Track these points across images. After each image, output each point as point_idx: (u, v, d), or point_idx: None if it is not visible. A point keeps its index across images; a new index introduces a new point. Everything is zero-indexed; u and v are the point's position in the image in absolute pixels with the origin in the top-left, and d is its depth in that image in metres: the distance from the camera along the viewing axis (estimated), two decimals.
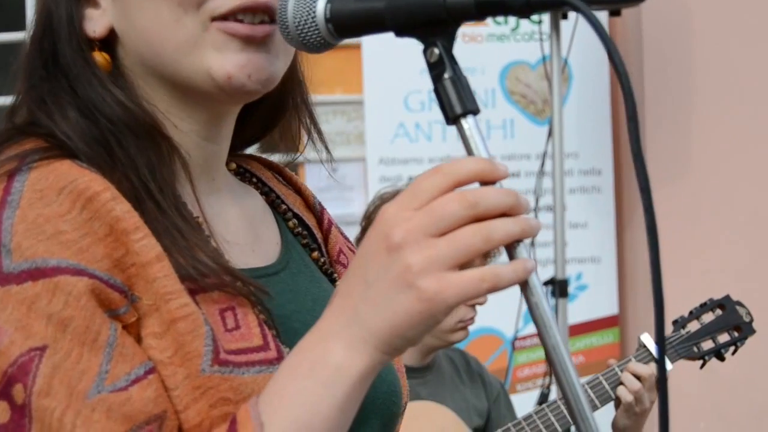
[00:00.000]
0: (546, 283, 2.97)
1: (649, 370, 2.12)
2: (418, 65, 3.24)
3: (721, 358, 2.20)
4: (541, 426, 2.15)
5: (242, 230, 1.00)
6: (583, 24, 3.23)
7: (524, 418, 2.15)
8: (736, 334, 2.21)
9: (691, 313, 2.22)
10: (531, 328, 3.32)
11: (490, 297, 3.39)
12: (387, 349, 0.79)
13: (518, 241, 0.79)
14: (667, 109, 3.46)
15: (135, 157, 0.89)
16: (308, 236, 1.08)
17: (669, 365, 2.20)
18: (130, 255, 0.83)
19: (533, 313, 0.80)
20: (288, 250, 1.03)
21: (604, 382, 2.13)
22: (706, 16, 3.45)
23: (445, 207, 0.77)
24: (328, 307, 0.82)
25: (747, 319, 2.22)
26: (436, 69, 0.83)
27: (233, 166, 1.07)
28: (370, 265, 0.79)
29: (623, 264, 3.58)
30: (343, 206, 3.48)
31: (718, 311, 2.22)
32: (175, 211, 0.89)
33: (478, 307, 3.42)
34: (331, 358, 0.79)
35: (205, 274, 0.86)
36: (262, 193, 1.08)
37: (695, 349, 2.18)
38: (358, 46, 3.51)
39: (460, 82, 0.82)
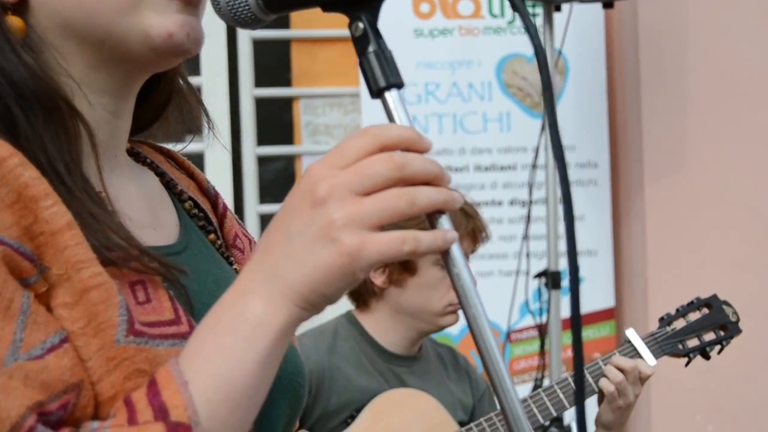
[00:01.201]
0: (539, 275, 2.97)
1: (633, 363, 2.12)
2: (414, 58, 3.25)
3: (707, 357, 2.21)
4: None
5: (143, 209, 0.99)
6: (577, 17, 3.24)
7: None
8: (722, 333, 2.22)
9: (677, 310, 2.23)
10: (526, 321, 3.33)
11: (485, 289, 3.41)
12: (305, 305, 0.79)
13: (441, 211, 0.81)
14: (664, 103, 3.46)
15: (42, 133, 0.87)
16: (204, 219, 1.08)
17: (653, 361, 2.20)
18: (38, 223, 0.82)
19: (455, 283, 0.81)
20: (187, 231, 1.03)
21: (587, 376, 2.14)
22: (703, 8, 3.45)
23: (372, 166, 0.78)
24: (248, 263, 0.82)
25: (733, 319, 2.23)
26: (360, 43, 0.84)
27: (127, 146, 1.06)
28: (294, 220, 0.80)
29: (620, 257, 3.59)
30: None
31: (705, 310, 2.23)
32: (83, 191, 0.88)
33: None
34: (250, 313, 0.80)
35: (115, 252, 0.85)
36: (156, 174, 1.07)
37: (680, 346, 2.19)
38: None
39: (384, 55, 0.84)
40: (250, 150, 3.62)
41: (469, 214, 2.20)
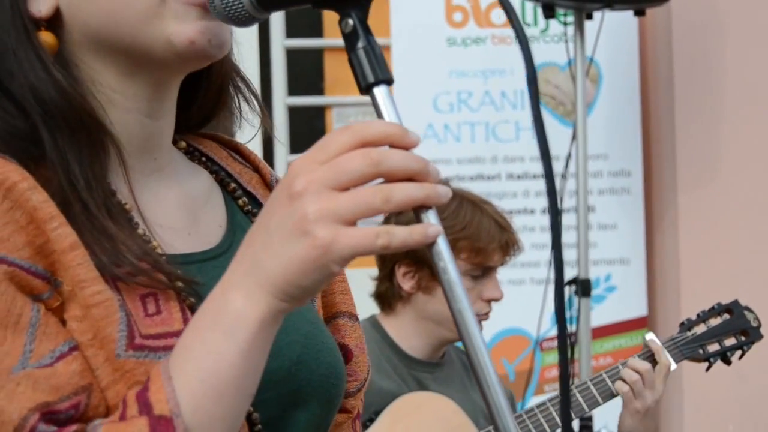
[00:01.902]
0: (569, 283, 2.97)
1: (647, 365, 2.13)
2: (447, 66, 3.27)
3: (727, 362, 2.21)
4: (542, 419, 2.17)
5: (179, 213, 1.01)
6: (610, 24, 3.24)
7: (525, 411, 2.16)
8: (743, 338, 2.22)
9: (698, 315, 2.24)
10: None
11: (517, 297, 3.41)
12: (284, 297, 0.81)
13: (425, 207, 0.81)
14: (697, 110, 3.45)
15: (65, 152, 0.90)
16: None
17: (673, 365, 2.20)
18: (50, 242, 0.86)
19: (440, 277, 0.81)
20: (233, 232, 1.03)
21: (606, 379, 2.16)
22: (737, 15, 3.44)
23: (349, 162, 0.79)
24: (233, 258, 0.84)
25: (755, 324, 2.23)
26: (350, 40, 0.85)
27: (183, 144, 1.08)
28: (273, 214, 0.81)
29: (652, 265, 3.58)
30: None
31: (726, 315, 2.23)
32: (103, 209, 0.90)
33: (504, 308, 3.44)
34: (230, 306, 0.81)
35: (129, 272, 0.88)
36: (211, 172, 1.09)
37: (700, 350, 2.19)
38: (387, 48, 3.52)
39: (373, 51, 0.85)
40: (283, 158, 3.65)
41: (503, 226, 2.22)
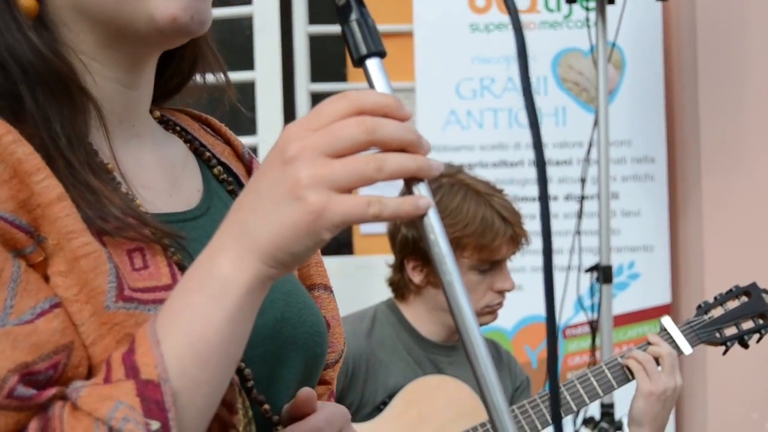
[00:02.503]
0: (590, 269, 2.97)
1: (669, 349, 2.10)
2: (470, 53, 3.27)
3: (745, 345, 2.19)
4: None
5: (160, 175, 1.02)
6: (634, 9, 3.22)
7: (539, 396, 2.15)
8: (760, 321, 2.19)
9: (715, 299, 2.21)
10: (581, 317, 3.33)
11: (539, 284, 3.40)
12: (273, 263, 0.80)
13: (417, 179, 0.81)
14: (721, 96, 3.43)
15: (46, 109, 0.91)
16: (234, 183, 1.10)
17: (689, 349, 2.17)
18: (35, 196, 0.85)
19: (431, 250, 0.82)
20: (210, 197, 1.05)
21: (621, 361, 2.14)
22: (762, 0, 3.42)
23: (343, 129, 0.80)
24: (222, 222, 0.84)
25: None
26: (343, 12, 0.85)
27: (157, 114, 1.09)
28: (264, 179, 0.81)
29: (676, 253, 3.57)
30: (396, 194, 3.50)
31: (744, 298, 2.20)
32: (86, 166, 0.91)
33: (527, 295, 3.44)
34: (218, 271, 0.81)
35: (115, 226, 0.89)
36: (185, 141, 1.10)
37: (717, 334, 2.17)
38: (410, 34, 3.52)
39: (366, 24, 0.85)
40: None
41: (508, 220, 2.20)
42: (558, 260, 3.39)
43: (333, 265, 3.73)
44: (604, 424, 2.71)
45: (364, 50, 0.84)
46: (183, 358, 0.80)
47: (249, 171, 1.14)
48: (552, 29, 3.57)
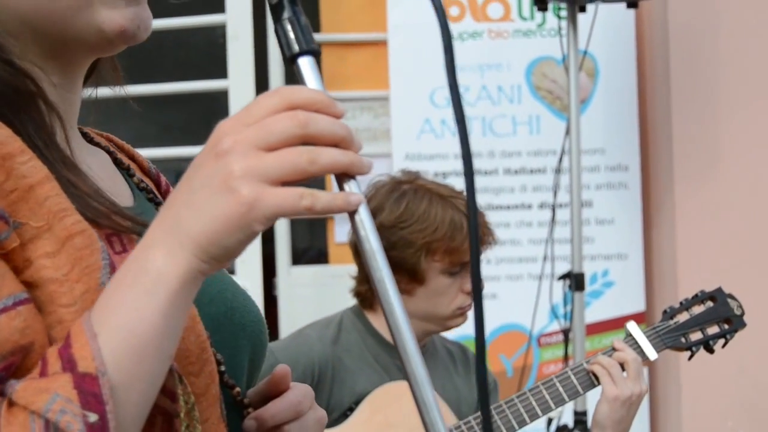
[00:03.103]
0: (562, 277, 2.99)
1: (634, 355, 2.12)
2: (444, 61, 3.23)
3: (710, 350, 2.20)
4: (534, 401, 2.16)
5: (103, 176, 1.04)
6: (606, 17, 3.25)
7: (518, 395, 2.16)
8: (726, 326, 2.20)
9: (681, 303, 2.22)
10: (556, 325, 3.34)
11: (515, 292, 3.42)
12: (205, 257, 0.81)
13: (349, 175, 0.82)
14: (694, 104, 3.46)
15: (20, 114, 0.92)
16: (152, 192, 1.12)
17: (654, 354, 2.17)
18: (11, 180, 0.84)
19: (362, 246, 0.83)
20: (139, 199, 1.08)
21: (592, 377, 2.15)
22: (733, 8, 3.46)
23: (276, 123, 0.81)
24: (156, 217, 0.85)
25: (738, 312, 2.21)
26: (276, 11, 0.86)
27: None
28: (197, 174, 0.82)
29: (650, 261, 3.60)
30: None
31: (709, 303, 2.22)
32: (62, 164, 0.92)
33: (502, 304, 3.45)
34: (151, 265, 0.81)
35: (98, 216, 0.90)
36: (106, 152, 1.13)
37: (683, 339, 2.18)
38: (384, 43, 3.53)
39: (298, 22, 0.85)
40: None
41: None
42: (532, 268, 3.40)
43: (308, 274, 3.76)
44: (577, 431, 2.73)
45: (296, 48, 0.85)
46: (118, 352, 0.80)
47: (158, 185, 1.16)
48: (525, 37, 3.59)
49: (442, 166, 3.55)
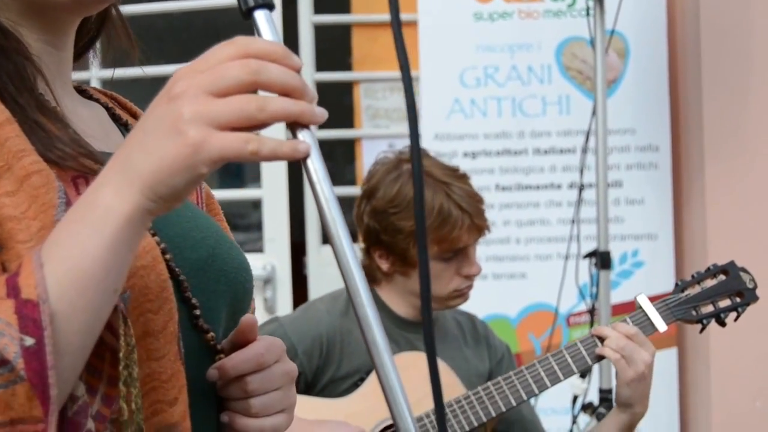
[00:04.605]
0: (588, 255, 3.02)
1: (634, 329, 2.13)
2: (474, 41, 3.30)
3: (722, 323, 2.21)
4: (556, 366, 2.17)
5: (95, 127, 1.09)
6: None
7: (534, 363, 2.17)
8: (737, 299, 2.20)
9: (692, 276, 2.23)
10: (586, 305, 3.38)
11: (544, 272, 3.45)
12: (152, 195, 0.85)
13: (299, 124, 0.85)
14: (725, 84, 3.48)
15: None
16: None
17: (663, 326, 2.18)
18: None
19: (315, 193, 0.86)
20: None
21: (598, 342, 2.17)
22: None
23: (227, 69, 0.84)
24: (111, 158, 0.89)
25: (750, 286, 2.22)
26: None
27: (74, 84, 1.15)
28: (150, 117, 0.86)
29: (680, 241, 3.62)
30: None
31: (722, 276, 2.22)
32: (35, 108, 0.97)
33: (531, 283, 3.49)
34: (100, 201, 0.85)
35: (61, 156, 0.95)
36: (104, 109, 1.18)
37: (693, 312, 2.19)
38: (414, 23, 3.57)
39: None
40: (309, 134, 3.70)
41: (465, 210, 2.24)
42: (561, 248, 3.44)
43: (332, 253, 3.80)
44: (602, 410, 2.76)
45: (251, 2, 0.88)
46: (62, 282, 0.83)
47: None
48: (556, 18, 3.62)
49: (471, 145, 3.59)
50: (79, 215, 0.86)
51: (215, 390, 1.06)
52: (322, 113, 0.86)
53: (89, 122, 1.08)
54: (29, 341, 0.81)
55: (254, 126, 0.84)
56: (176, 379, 0.96)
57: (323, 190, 0.85)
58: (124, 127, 1.16)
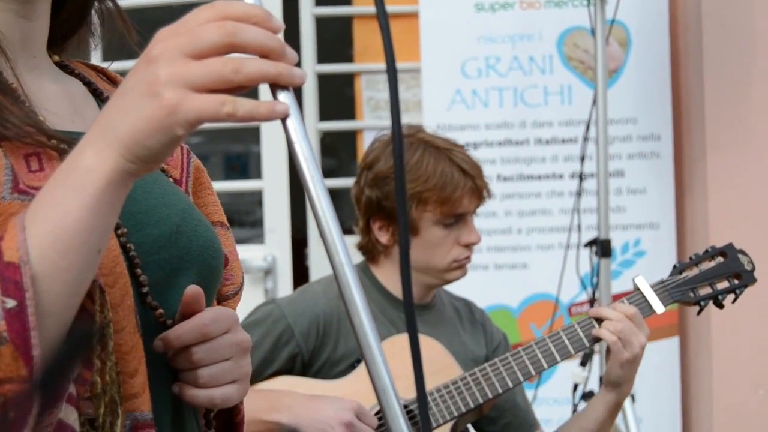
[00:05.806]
0: (589, 244, 3.05)
1: (634, 309, 2.16)
2: (475, 32, 3.32)
3: (720, 305, 2.23)
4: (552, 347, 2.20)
5: (62, 104, 1.09)
6: None
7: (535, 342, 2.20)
8: (735, 281, 2.22)
9: (690, 258, 2.25)
10: (587, 294, 3.41)
11: (545, 262, 3.48)
12: (131, 157, 0.86)
13: (278, 85, 0.86)
14: (727, 73, 3.51)
15: None
16: None
17: (661, 308, 2.20)
18: None
19: (292, 149, 0.86)
20: None
21: (595, 324, 2.19)
22: None
23: (204, 31, 0.85)
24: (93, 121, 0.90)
25: (748, 268, 2.24)
26: None
27: (56, 59, 1.16)
28: (130, 80, 0.88)
29: (682, 230, 3.65)
30: None
31: (720, 258, 2.24)
32: None
33: (533, 273, 3.51)
34: (81, 163, 0.87)
35: (12, 132, 0.96)
36: (83, 83, 1.17)
37: (691, 294, 2.21)
38: (415, 15, 3.59)
39: None
40: (312, 125, 3.76)
41: (468, 172, 2.28)
42: (563, 238, 3.47)
43: (349, 243, 3.81)
44: None
45: None
46: (43, 244, 0.86)
47: None
48: (557, 8, 3.64)
49: (473, 136, 3.62)
50: (61, 178, 0.88)
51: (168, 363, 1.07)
52: (302, 74, 0.87)
53: (55, 98, 1.09)
54: (11, 303, 0.83)
55: (232, 88, 0.85)
56: (136, 351, 0.98)
57: (302, 149, 0.86)
58: (105, 102, 1.17)
